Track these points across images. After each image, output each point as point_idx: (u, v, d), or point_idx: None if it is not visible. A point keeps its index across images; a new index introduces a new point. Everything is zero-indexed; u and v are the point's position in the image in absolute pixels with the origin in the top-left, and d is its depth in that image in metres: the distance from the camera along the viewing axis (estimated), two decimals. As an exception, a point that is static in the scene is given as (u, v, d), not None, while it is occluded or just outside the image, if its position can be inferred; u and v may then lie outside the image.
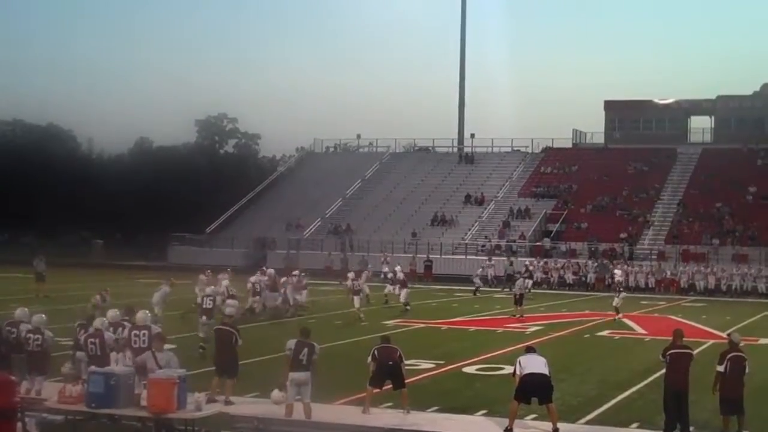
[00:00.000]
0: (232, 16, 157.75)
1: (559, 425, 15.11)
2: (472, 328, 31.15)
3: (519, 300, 35.18)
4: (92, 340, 15.91)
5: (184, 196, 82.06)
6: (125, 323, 16.83)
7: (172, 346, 17.87)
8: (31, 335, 16.61)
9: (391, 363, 16.27)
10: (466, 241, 61.47)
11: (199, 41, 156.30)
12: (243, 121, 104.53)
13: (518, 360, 15.41)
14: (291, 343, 15.39)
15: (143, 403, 13.97)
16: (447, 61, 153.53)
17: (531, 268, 49.78)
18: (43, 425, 14.13)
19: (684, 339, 15.71)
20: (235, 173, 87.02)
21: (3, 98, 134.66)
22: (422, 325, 31.26)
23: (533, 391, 15.10)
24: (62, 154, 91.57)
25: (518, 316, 34.10)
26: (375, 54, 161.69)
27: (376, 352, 16.45)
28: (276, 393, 15.37)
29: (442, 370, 21.60)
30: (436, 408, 16.87)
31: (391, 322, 31.40)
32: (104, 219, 79.73)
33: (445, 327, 31.17)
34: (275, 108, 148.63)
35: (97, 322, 16.39)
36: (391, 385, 16.46)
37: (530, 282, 40.09)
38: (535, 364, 15.21)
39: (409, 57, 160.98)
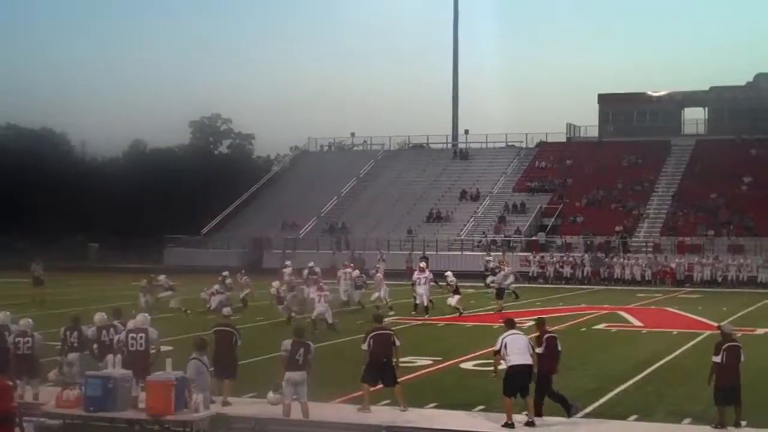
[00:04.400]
0: (225, 17, 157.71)
1: (558, 419, 15.18)
2: (469, 324, 31.16)
3: (499, 293, 35.14)
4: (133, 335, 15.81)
5: (179, 197, 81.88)
6: (117, 325, 16.80)
7: (169, 348, 17.90)
8: (20, 339, 16.54)
9: (384, 360, 16.25)
10: (462, 237, 61.53)
11: (191, 42, 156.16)
12: (237, 121, 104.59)
13: (503, 340, 15.28)
14: (286, 344, 15.39)
15: (141, 405, 14.01)
16: (440, 58, 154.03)
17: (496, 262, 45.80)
18: (41, 430, 14.14)
19: (546, 327, 16.10)
20: (229, 174, 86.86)
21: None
22: (419, 322, 31.26)
23: (520, 384, 15.08)
24: (56, 157, 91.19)
25: (498, 311, 32.88)
26: (368, 52, 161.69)
27: (371, 341, 16.37)
28: (271, 395, 15.37)
29: (440, 366, 21.64)
30: (434, 404, 16.87)
31: (387, 320, 31.24)
32: (99, 222, 79.58)
33: (441, 323, 31.19)
34: (269, 108, 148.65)
35: (140, 318, 16.38)
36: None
37: (501, 275, 38.36)
38: (519, 348, 15.12)
39: (401, 54, 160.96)
